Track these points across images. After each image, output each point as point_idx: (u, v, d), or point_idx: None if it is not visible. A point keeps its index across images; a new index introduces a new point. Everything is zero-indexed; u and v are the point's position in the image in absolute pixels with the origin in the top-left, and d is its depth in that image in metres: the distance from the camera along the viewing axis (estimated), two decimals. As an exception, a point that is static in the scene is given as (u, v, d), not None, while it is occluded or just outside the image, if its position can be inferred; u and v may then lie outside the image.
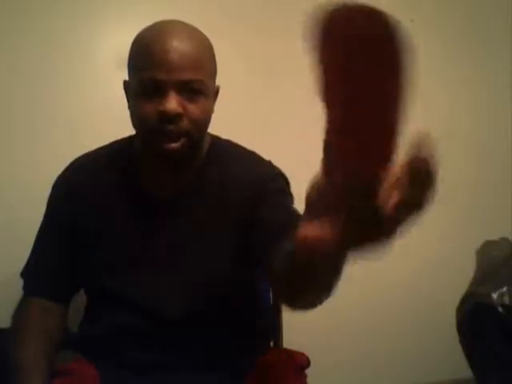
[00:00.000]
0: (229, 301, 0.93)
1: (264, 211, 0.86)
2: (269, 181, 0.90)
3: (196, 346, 0.90)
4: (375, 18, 0.33)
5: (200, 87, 0.83)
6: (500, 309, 1.11)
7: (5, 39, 1.41)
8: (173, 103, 0.80)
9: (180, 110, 0.81)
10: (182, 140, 0.83)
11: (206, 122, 0.88)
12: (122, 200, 0.93)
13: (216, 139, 0.97)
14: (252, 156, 0.97)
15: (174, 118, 0.81)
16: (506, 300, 1.11)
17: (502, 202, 1.78)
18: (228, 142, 0.99)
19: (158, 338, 0.90)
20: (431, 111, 1.75)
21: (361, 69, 0.33)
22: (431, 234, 1.76)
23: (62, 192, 0.96)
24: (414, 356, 1.73)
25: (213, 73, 0.89)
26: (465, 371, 1.23)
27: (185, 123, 0.82)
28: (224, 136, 1.00)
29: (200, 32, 0.89)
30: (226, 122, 1.58)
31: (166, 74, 0.80)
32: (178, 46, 0.82)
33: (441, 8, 1.75)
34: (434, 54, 1.74)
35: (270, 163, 0.97)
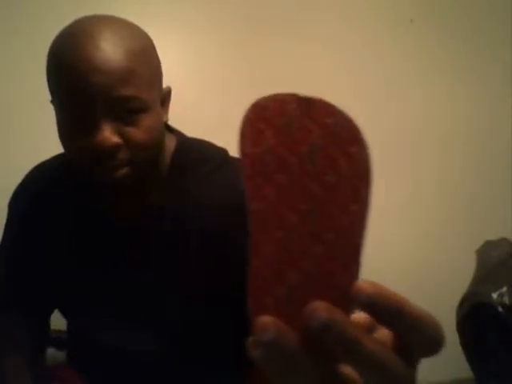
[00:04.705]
0: (212, 333, 0.82)
1: (240, 244, 0.75)
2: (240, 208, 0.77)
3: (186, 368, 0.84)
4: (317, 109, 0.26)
5: (137, 105, 0.66)
6: (500, 309, 1.11)
7: (8, 39, 1.41)
8: (106, 134, 0.64)
9: (116, 139, 0.65)
10: (125, 169, 0.68)
11: (156, 140, 0.71)
12: (82, 228, 0.81)
13: (181, 143, 0.82)
14: (225, 164, 0.80)
15: (111, 151, 0.66)
16: (506, 300, 1.11)
17: (502, 202, 1.78)
18: (196, 145, 0.83)
19: (138, 370, 0.83)
20: (431, 111, 1.75)
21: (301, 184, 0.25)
22: (431, 234, 1.76)
23: (29, 208, 0.85)
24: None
25: (153, 79, 0.70)
26: (465, 371, 1.23)
27: (126, 153, 0.67)
28: (220, 133, 0.93)
29: (128, 30, 0.69)
30: (224, 120, 1.59)
31: (90, 98, 0.64)
32: (100, 60, 0.63)
33: (441, 8, 1.75)
34: (433, 54, 1.74)
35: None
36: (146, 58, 0.69)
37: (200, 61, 1.56)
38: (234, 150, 0.86)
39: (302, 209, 0.25)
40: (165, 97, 0.76)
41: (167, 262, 0.78)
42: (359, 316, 0.27)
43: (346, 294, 0.25)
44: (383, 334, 0.27)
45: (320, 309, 0.24)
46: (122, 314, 0.80)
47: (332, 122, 0.25)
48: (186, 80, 1.49)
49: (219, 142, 0.87)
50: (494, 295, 1.12)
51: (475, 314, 1.16)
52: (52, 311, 0.94)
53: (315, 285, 0.25)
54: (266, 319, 0.24)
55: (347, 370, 0.26)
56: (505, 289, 1.13)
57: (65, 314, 0.91)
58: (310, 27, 1.63)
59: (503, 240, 1.37)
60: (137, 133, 0.67)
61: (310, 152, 0.25)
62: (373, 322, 0.28)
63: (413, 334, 0.25)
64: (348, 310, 0.25)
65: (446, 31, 1.75)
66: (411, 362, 0.26)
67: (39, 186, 0.85)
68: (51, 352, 1.08)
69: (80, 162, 0.69)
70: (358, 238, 0.25)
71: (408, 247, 1.75)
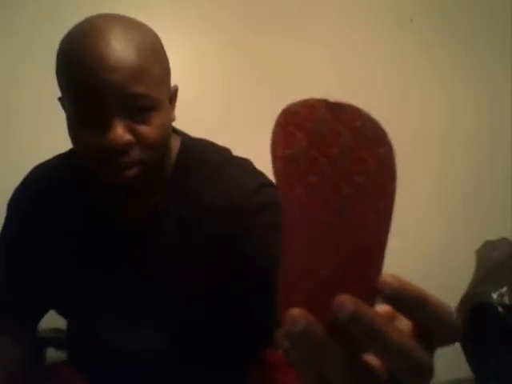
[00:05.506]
0: (213, 333, 0.82)
1: (244, 246, 0.72)
2: (248, 205, 0.74)
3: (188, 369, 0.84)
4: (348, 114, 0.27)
5: (148, 103, 0.66)
6: (500, 309, 1.11)
7: (8, 39, 1.41)
8: (118, 131, 0.64)
9: (129, 137, 0.65)
10: (135, 169, 0.67)
11: (166, 139, 0.72)
12: (84, 228, 0.80)
13: (185, 144, 0.82)
14: (228, 165, 0.80)
15: (123, 149, 0.65)
16: (506, 300, 1.11)
17: (502, 202, 1.78)
18: (200, 145, 0.83)
19: (139, 373, 0.84)
20: (431, 111, 1.75)
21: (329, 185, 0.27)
22: (431, 234, 1.76)
23: (29, 207, 0.84)
24: (414, 356, 1.73)
25: (163, 77, 0.71)
26: (465, 371, 1.23)
27: (137, 151, 0.67)
28: (221, 133, 0.93)
29: (138, 28, 0.69)
30: (223, 120, 1.59)
31: (102, 96, 0.63)
32: (112, 57, 0.63)
33: (441, 8, 1.75)
34: (433, 54, 1.74)
35: (250, 172, 0.80)
36: (156, 56, 0.69)
37: (200, 61, 1.56)
38: (234, 150, 0.86)
39: (333, 207, 0.26)
40: (172, 95, 0.76)
41: (168, 263, 0.78)
42: (384, 308, 0.29)
43: (371, 287, 0.26)
44: (403, 323, 0.28)
45: (347, 302, 0.25)
46: (122, 314, 0.80)
47: (360, 125, 0.27)
48: (186, 80, 1.49)
49: (219, 141, 0.87)
50: (494, 295, 1.12)
51: (475, 314, 1.16)
52: (46, 313, 0.93)
53: (342, 280, 0.26)
54: (295, 311, 0.26)
55: (371, 359, 0.27)
56: (505, 289, 1.13)
57: (64, 314, 0.91)
58: (310, 27, 1.63)
59: (503, 240, 1.37)
60: (148, 131, 0.67)
61: (340, 153, 0.26)
62: (392, 313, 0.29)
63: (434, 324, 0.27)
64: (372, 302, 0.26)
65: (446, 31, 1.75)
66: (430, 349, 0.28)
67: (40, 186, 0.85)
68: (51, 352, 1.08)
69: (90, 161, 0.69)
70: (383, 234, 0.27)
71: (408, 247, 1.75)
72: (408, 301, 0.26)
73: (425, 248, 1.75)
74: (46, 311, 0.92)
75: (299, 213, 0.27)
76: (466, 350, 1.20)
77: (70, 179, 0.82)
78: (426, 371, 0.27)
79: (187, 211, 0.77)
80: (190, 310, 0.79)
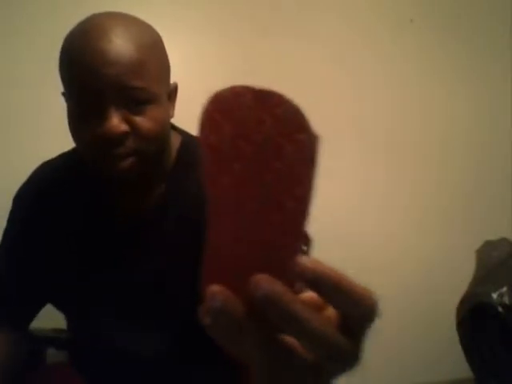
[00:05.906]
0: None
1: None
2: None
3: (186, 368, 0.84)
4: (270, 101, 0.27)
5: (145, 96, 0.68)
6: (500, 309, 1.11)
7: (8, 39, 1.41)
8: (114, 122, 0.66)
9: (124, 127, 0.67)
10: (131, 159, 0.69)
11: (163, 131, 0.73)
12: (85, 228, 0.81)
13: (186, 140, 0.83)
14: None
15: (119, 138, 0.67)
16: (506, 300, 1.11)
17: (502, 202, 1.78)
18: (199, 143, 0.89)
19: (137, 372, 0.84)
20: (431, 111, 1.75)
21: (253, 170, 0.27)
22: (431, 234, 1.76)
23: (31, 207, 0.85)
24: (414, 356, 1.74)
25: (161, 74, 0.73)
26: (465, 371, 1.23)
27: (133, 142, 0.69)
28: None
29: (139, 25, 0.71)
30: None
31: (100, 89, 0.66)
32: (111, 52, 0.65)
33: (441, 8, 1.75)
34: (433, 54, 1.74)
35: None
36: (155, 52, 0.71)
37: (200, 61, 1.56)
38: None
39: (255, 195, 0.27)
40: (172, 92, 0.77)
41: (168, 262, 0.78)
42: (310, 294, 0.28)
43: (289, 270, 0.26)
44: (329, 312, 0.28)
45: (262, 281, 0.25)
46: (122, 314, 0.80)
47: (281, 112, 0.27)
48: (186, 80, 1.49)
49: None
50: (494, 295, 1.12)
51: (475, 314, 1.16)
52: (39, 311, 0.93)
53: (262, 261, 0.27)
54: (214, 288, 0.26)
55: (291, 340, 0.27)
56: (505, 289, 1.13)
57: (64, 311, 0.91)
58: (310, 27, 1.63)
59: (503, 240, 1.38)
60: (144, 122, 0.69)
61: (263, 141, 0.27)
62: (320, 301, 0.29)
63: (348, 306, 0.27)
64: (291, 285, 0.26)
65: (446, 31, 1.75)
66: (355, 338, 0.27)
67: (42, 186, 0.86)
68: (51, 352, 1.08)
69: (88, 153, 0.71)
70: (301, 220, 0.27)
71: (408, 247, 1.75)
72: (325, 285, 0.26)
73: (425, 248, 1.75)
74: (40, 309, 0.92)
75: (223, 199, 0.27)
76: (466, 350, 1.20)
77: (71, 179, 0.83)
78: (350, 359, 0.27)
79: (187, 209, 0.78)
80: (190, 310, 0.79)
